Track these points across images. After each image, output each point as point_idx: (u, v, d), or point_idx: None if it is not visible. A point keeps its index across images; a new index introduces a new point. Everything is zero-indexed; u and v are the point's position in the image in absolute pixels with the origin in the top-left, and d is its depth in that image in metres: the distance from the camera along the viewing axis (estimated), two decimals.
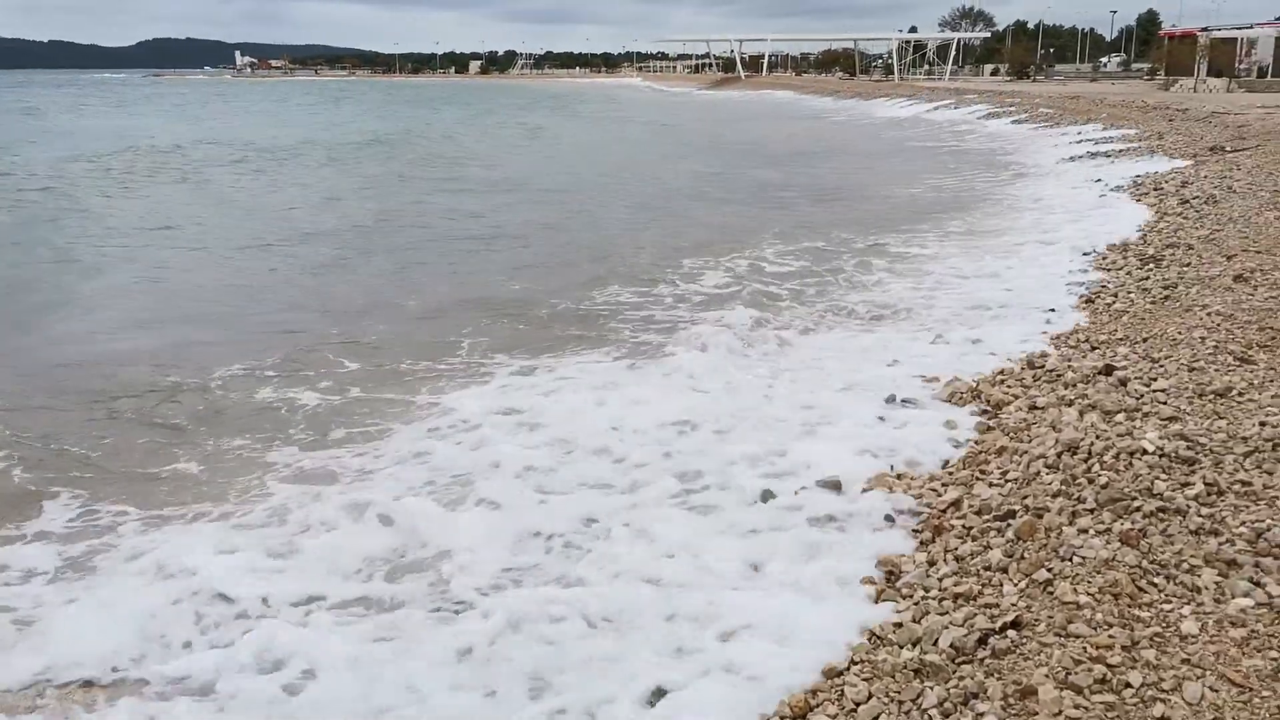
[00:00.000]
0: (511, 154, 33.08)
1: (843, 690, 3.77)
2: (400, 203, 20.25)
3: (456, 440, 6.95)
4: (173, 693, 4.20)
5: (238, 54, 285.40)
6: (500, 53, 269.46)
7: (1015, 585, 4.16)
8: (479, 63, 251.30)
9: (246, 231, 16.50)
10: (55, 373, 8.69)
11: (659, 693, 4.04)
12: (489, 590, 4.92)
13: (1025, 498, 4.84)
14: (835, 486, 5.77)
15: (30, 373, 8.68)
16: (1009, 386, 6.94)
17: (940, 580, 4.38)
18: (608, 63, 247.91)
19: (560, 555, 5.28)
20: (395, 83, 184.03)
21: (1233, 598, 3.78)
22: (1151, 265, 10.29)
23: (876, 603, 4.45)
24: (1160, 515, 4.36)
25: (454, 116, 59.30)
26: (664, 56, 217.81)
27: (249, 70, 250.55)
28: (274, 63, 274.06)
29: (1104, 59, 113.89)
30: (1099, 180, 19.02)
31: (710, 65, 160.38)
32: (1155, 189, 16.29)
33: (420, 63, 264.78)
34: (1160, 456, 4.87)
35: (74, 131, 42.67)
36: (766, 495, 5.77)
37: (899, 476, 5.81)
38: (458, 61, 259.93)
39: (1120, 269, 10.58)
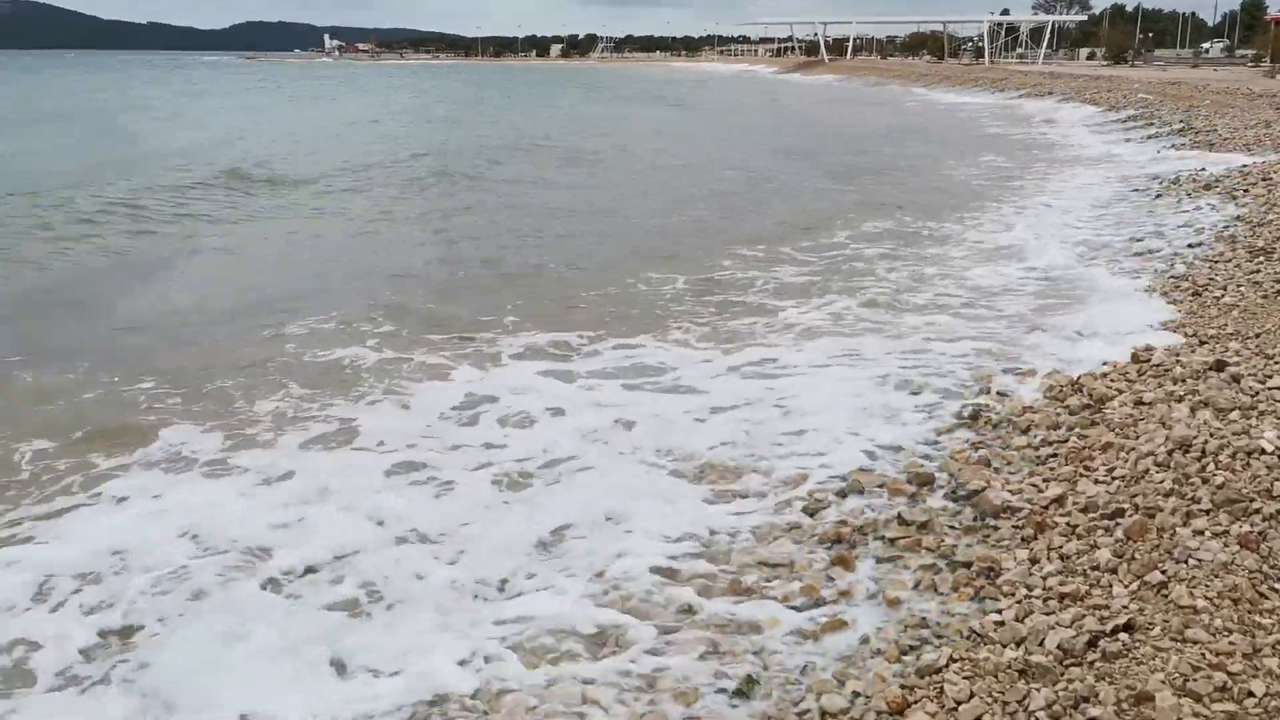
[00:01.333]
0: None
1: (941, 688, 3.67)
2: None
3: None
4: None
5: (326, 37, 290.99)
6: (581, 36, 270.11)
7: (1126, 587, 4.00)
8: (560, 46, 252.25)
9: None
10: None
11: (749, 681, 4.01)
12: None
13: (1134, 496, 4.66)
14: (929, 481, 5.66)
15: None
16: (1113, 380, 6.69)
17: (1044, 579, 4.24)
18: (688, 46, 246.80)
19: None
20: (481, 66, 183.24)
21: None
22: (1261, 258, 9.83)
23: (975, 600, 4.34)
24: None
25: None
26: (746, 40, 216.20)
27: (336, 54, 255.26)
28: (361, 46, 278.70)
29: (1205, 45, 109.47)
30: (1203, 169, 18.27)
31: (793, 49, 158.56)
32: (1264, 179, 15.59)
33: (502, 46, 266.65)
34: None
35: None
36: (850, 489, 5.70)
37: (996, 470, 5.65)
38: (539, 45, 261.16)
39: (1228, 261, 10.13)
